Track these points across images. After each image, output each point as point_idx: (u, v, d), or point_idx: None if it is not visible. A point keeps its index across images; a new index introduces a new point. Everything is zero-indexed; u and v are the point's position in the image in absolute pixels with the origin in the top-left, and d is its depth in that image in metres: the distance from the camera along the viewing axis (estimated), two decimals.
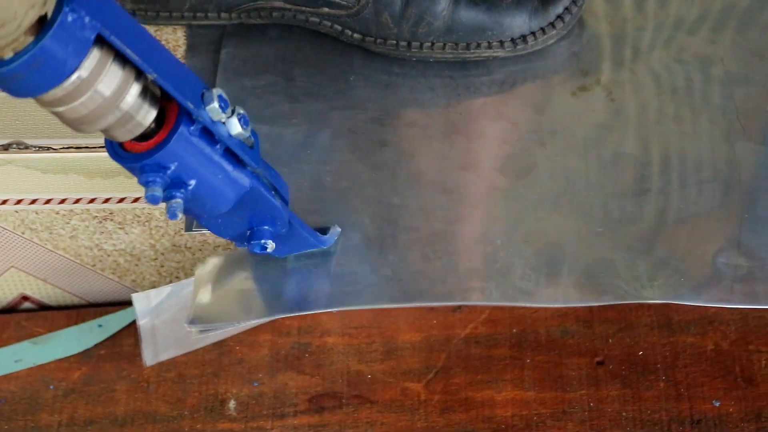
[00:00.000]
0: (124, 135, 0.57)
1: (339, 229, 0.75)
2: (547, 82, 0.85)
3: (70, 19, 0.49)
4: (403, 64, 0.85)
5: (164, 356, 0.88)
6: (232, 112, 0.60)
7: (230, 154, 0.62)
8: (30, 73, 0.50)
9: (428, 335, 0.87)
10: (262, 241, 0.67)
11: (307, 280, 0.74)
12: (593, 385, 0.84)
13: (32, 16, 0.49)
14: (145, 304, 0.84)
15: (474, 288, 0.74)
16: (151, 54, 0.55)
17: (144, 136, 0.58)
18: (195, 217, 0.68)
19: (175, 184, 0.59)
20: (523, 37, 0.84)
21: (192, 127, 0.58)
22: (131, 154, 0.59)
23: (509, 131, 0.82)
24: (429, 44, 0.84)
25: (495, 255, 0.74)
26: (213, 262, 0.77)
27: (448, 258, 0.74)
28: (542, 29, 0.84)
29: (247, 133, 0.61)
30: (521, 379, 0.85)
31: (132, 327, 0.89)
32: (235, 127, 0.60)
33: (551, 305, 0.74)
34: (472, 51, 0.84)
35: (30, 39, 0.49)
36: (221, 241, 0.89)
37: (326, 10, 0.82)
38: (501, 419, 0.83)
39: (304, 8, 0.83)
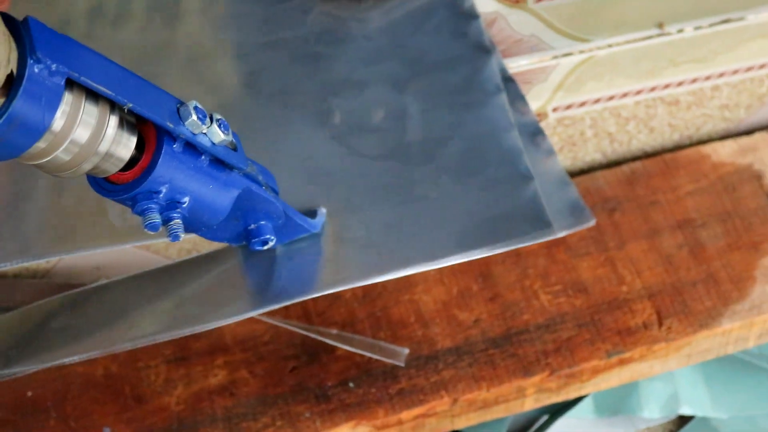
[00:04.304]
0: (111, 168, 0.56)
1: (324, 210, 0.73)
2: None
3: (36, 70, 0.48)
4: None
5: None
6: (211, 120, 0.58)
7: (217, 162, 0.60)
8: (8, 134, 0.49)
9: None
10: (264, 237, 0.66)
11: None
12: None
13: (0, 78, 0.47)
14: None
15: None
16: (120, 83, 0.53)
17: (127, 165, 0.56)
18: (194, 230, 0.64)
19: (170, 206, 0.58)
20: None
21: (175, 145, 0.57)
22: (119, 186, 0.57)
23: None
24: None
25: None
26: None
27: None
28: None
29: (230, 137, 0.60)
30: None
31: None
32: (217, 135, 0.58)
33: None
34: None
35: (1, 100, 0.48)
36: None
37: None
38: None
39: None
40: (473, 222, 0.73)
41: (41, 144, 0.51)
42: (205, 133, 0.58)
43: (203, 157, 0.59)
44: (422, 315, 0.84)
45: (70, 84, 0.51)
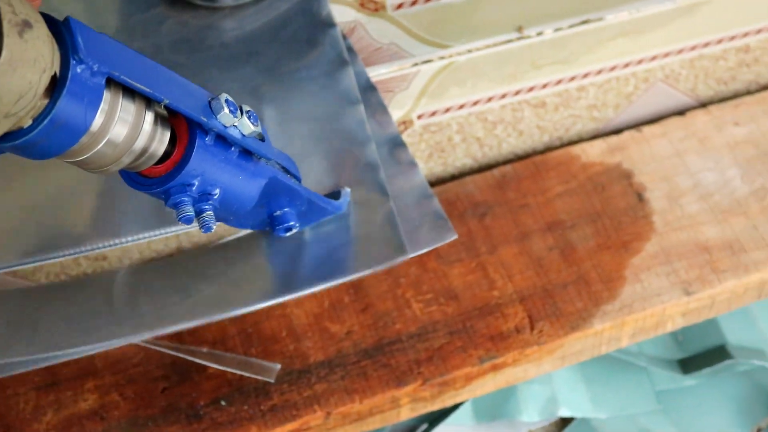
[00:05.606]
0: (147, 162, 0.56)
1: (348, 190, 0.72)
2: None
3: (79, 70, 0.49)
4: None
5: None
6: (242, 112, 0.59)
7: (245, 153, 0.61)
8: (53, 133, 0.49)
9: None
10: (288, 223, 0.67)
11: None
12: None
13: (45, 81, 0.47)
14: None
15: None
16: (155, 79, 0.54)
17: (160, 158, 0.57)
18: (223, 220, 0.66)
19: (202, 198, 0.59)
20: None
21: (207, 138, 0.58)
22: (152, 179, 0.58)
23: None
24: None
25: None
26: None
27: None
28: None
29: (259, 129, 0.60)
30: None
31: None
32: (247, 126, 0.59)
33: None
34: None
35: (45, 101, 0.48)
36: None
37: None
38: None
39: None
40: (329, 249, 0.73)
41: (81, 143, 0.51)
42: (236, 126, 0.59)
43: (233, 148, 0.60)
44: (294, 329, 0.83)
45: (108, 82, 0.51)
